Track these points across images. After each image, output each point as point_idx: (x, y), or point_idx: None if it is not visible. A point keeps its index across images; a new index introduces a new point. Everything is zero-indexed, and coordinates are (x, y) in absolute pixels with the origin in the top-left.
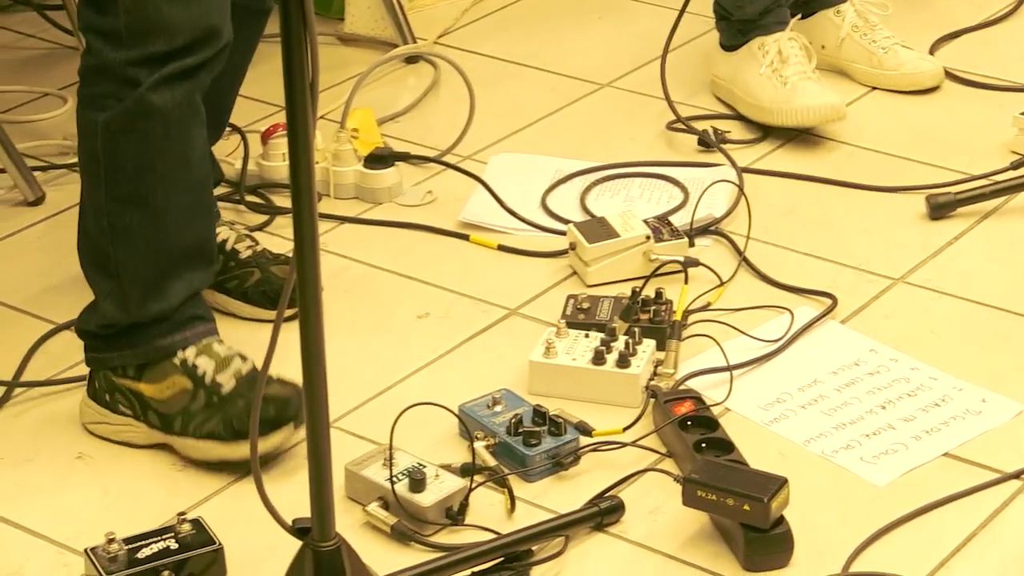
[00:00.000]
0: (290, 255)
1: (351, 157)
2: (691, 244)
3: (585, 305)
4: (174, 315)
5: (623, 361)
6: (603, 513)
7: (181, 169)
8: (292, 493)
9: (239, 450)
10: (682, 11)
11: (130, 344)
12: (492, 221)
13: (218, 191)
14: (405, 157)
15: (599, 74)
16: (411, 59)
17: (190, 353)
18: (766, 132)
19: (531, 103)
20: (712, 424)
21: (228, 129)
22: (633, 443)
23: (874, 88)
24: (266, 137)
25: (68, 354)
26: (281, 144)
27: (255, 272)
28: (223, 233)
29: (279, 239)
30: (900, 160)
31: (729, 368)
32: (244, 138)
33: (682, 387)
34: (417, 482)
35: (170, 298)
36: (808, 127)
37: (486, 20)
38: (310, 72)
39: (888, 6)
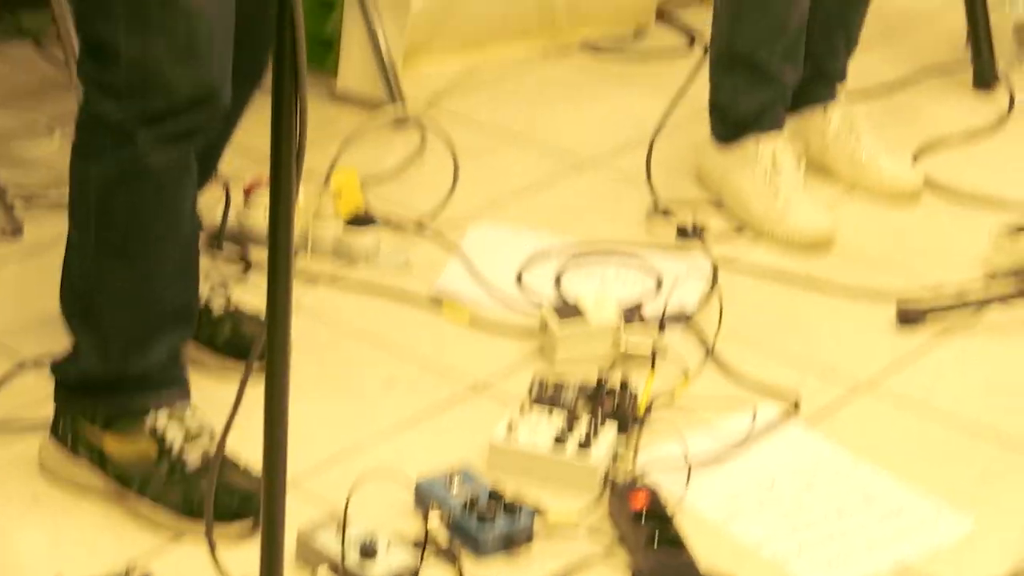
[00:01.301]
0: (262, 316)
1: (331, 216)
2: (661, 330)
3: (551, 387)
4: (153, 374)
5: (584, 446)
6: None
7: (171, 228)
8: (244, 552)
9: (194, 527)
10: (675, 101)
11: (104, 396)
12: (466, 293)
13: None
14: (385, 221)
15: (587, 151)
16: (400, 121)
17: (161, 417)
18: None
19: (516, 174)
20: (666, 519)
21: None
22: (587, 529)
23: (855, 187)
24: (248, 192)
25: (35, 390)
26: (263, 197)
27: (226, 329)
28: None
29: (254, 289)
30: (874, 264)
31: (688, 463)
32: (227, 190)
33: (640, 478)
34: (368, 553)
35: (150, 356)
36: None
37: (479, 87)
38: (297, 142)
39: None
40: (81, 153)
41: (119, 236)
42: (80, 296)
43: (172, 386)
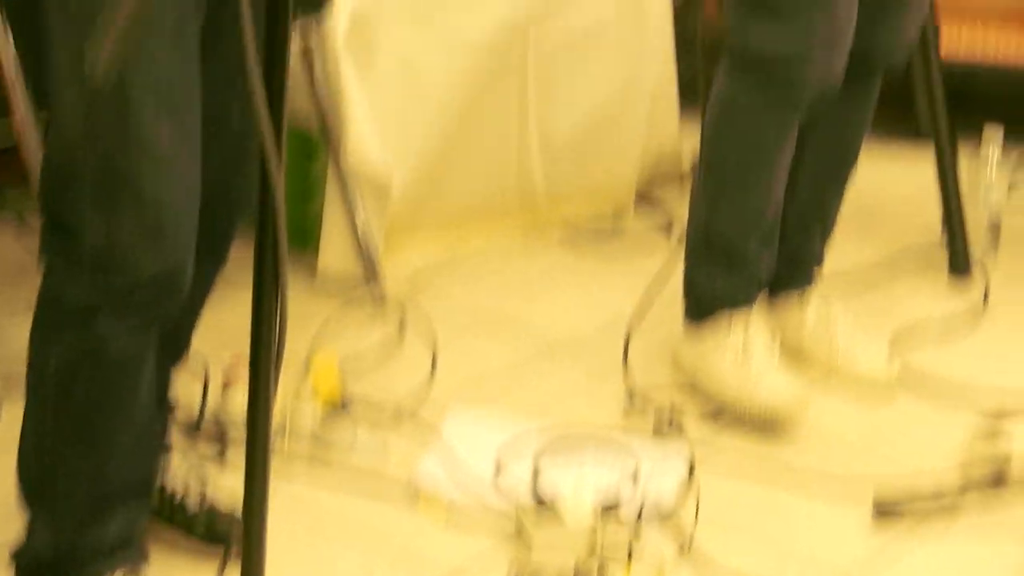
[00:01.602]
0: (238, 511)
1: (309, 403)
2: (639, 519)
3: None
4: (108, 547)
5: None
6: None
7: (129, 410)
8: None
9: None
10: (652, 292)
11: (61, 571)
12: (444, 486)
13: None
14: (363, 406)
15: (566, 337)
16: (379, 303)
17: None
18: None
19: (495, 359)
20: None
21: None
22: None
23: (831, 374)
24: (227, 384)
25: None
26: (242, 382)
27: (200, 527)
28: (171, 482)
29: (233, 469)
30: (851, 453)
31: None
32: (206, 376)
33: None
34: None
35: (106, 531)
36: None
37: (460, 271)
38: (277, 341)
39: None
40: (41, 330)
41: (76, 418)
42: (35, 472)
43: (128, 552)
